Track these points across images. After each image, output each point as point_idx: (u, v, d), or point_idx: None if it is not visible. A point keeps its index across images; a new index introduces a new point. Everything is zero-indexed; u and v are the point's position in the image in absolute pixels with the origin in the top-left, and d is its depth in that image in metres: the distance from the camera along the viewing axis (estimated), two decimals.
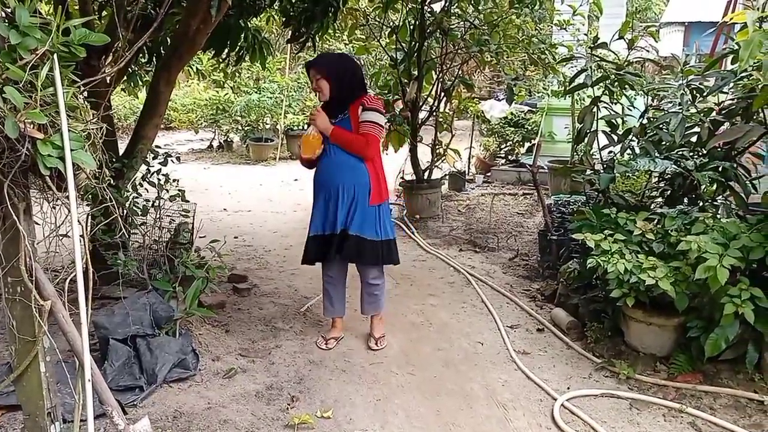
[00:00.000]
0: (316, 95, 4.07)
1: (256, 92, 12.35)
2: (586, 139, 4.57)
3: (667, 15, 23.01)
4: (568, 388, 3.52)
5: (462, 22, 7.10)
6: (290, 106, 12.39)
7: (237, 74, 9.72)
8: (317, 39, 5.75)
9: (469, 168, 9.91)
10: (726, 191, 3.98)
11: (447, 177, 8.81)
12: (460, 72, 7.65)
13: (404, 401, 3.39)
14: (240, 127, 12.49)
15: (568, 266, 4.80)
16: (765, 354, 3.36)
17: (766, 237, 3.26)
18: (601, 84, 4.52)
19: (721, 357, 3.42)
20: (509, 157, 10.15)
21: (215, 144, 13.12)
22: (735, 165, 3.88)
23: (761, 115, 3.82)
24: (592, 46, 4.64)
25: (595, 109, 4.55)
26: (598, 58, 4.61)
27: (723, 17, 7.21)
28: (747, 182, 3.88)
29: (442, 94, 7.63)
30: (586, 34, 7.77)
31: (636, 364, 3.69)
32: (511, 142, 10.00)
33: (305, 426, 3.11)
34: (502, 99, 9.65)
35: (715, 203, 3.99)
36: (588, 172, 4.75)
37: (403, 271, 5.49)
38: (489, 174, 9.76)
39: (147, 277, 3.90)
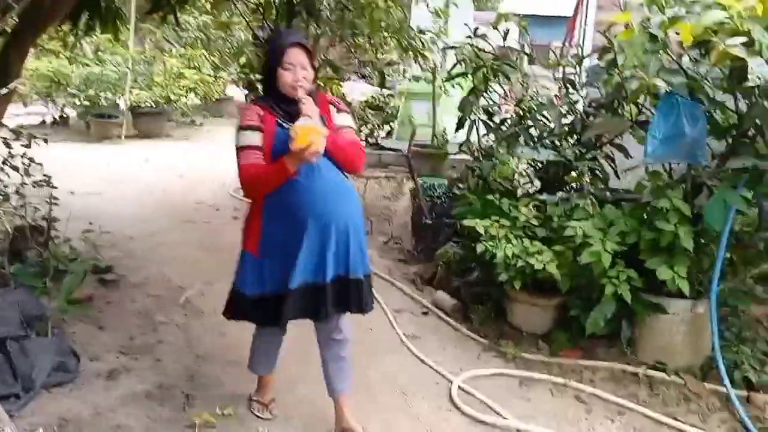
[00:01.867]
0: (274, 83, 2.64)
1: (96, 64, 11.40)
2: (465, 127, 4.71)
3: (504, 6, 24.39)
4: (461, 370, 3.63)
5: (332, 3, 7.00)
6: (136, 80, 11.58)
7: (78, 45, 8.94)
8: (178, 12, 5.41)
9: None
10: (594, 179, 4.29)
11: None
12: (325, 54, 7.56)
13: (305, 392, 3.32)
14: (78, 102, 11.47)
15: (446, 250, 4.96)
16: (636, 330, 3.68)
17: (640, 223, 3.55)
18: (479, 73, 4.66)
19: (598, 334, 3.69)
20: (369, 140, 10.24)
21: (48, 119, 11.97)
22: (605, 154, 4.19)
23: (627, 109, 4.14)
24: (470, 35, 4.77)
25: (473, 98, 4.70)
26: (477, 48, 4.76)
27: (574, 13, 7.76)
28: (613, 171, 4.22)
29: None
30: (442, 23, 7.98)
31: (521, 343, 3.89)
32: (371, 125, 10.09)
33: (208, 425, 2.94)
34: (366, 81, 9.70)
35: (585, 190, 4.28)
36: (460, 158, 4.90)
37: None
38: None
39: (9, 271, 3.47)
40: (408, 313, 4.43)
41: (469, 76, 4.65)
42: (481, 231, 3.85)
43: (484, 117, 4.75)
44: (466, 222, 3.95)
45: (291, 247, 2.61)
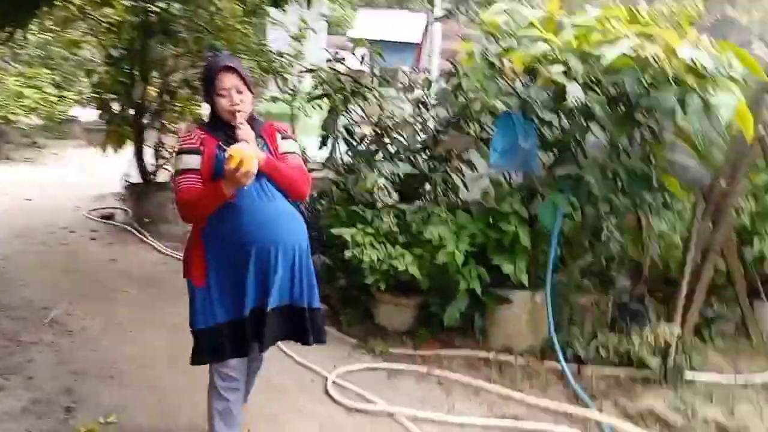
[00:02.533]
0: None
1: None
2: (329, 145, 5.05)
3: (354, 32, 25.27)
4: (334, 366, 3.92)
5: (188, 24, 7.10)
6: None
7: None
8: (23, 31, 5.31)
9: None
10: (446, 189, 4.78)
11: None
12: (184, 74, 7.62)
13: (186, 399, 3.44)
14: None
15: (312, 261, 5.23)
16: (486, 320, 4.17)
17: (486, 225, 4.05)
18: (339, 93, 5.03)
19: (454, 326, 4.14)
20: None
21: None
22: (455, 167, 4.69)
23: (470, 126, 4.67)
24: (330, 59, 5.14)
25: (334, 118, 5.05)
26: (335, 71, 5.13)
27: (421, 41, 8.39)
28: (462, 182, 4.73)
29: (167, 95, 7.53)
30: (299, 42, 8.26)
31: (387, 340, 4.26)
32: None
33: None
34: None
35: (439, 199, 4.75)
36: (330, 174, 5.23)
37: (146, 276, 5.38)
38: None
39: None
40: None
41: (330, 97, 5.00)
42: (348, 239, 4.18)
43: (346, 135, 5.11)
44: (335, 231, 4.26)
45: (238, 274, 2.51)
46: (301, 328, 2.63)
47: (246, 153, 2.37)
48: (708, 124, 3.53)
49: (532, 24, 3.69)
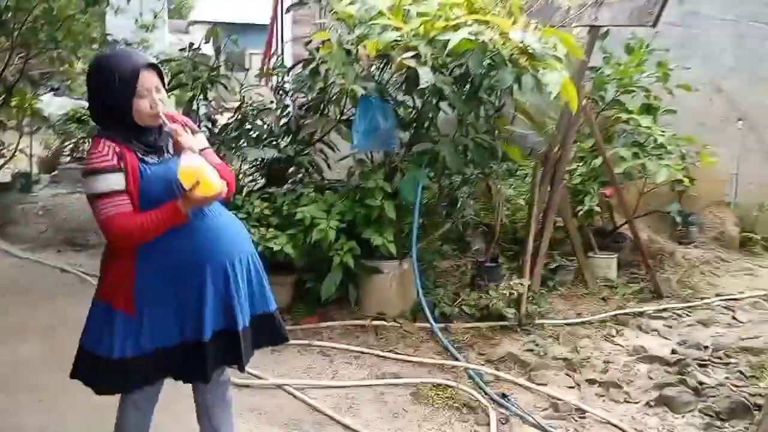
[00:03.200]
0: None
1: None
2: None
3: (195, 14, 24.57)
4: None
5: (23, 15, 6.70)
6: None
7: None
8: None
9: (32, 169, 9.25)
10: (313, 171, 5.00)
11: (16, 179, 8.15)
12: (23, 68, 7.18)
13: (68, 397, 3.39)
14: None
15: None
16: (360, 290, 4.47)
17: (353, 202, 4.32)
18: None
19: (331, 299, 4.40)
20: (74, 154, 9.81)
21: None
22: (318, 150, 4.91)
23: (330, 110, 4.90)
24: (188, 49, 5.14)
25: (195, 107, 5.08)
26: (191, 60, 5.14)
27: (271, 25, 8.46)
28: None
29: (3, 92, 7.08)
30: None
31: None
32: (75, 140, 9.68)
33: None
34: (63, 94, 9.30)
35: (306, 181, 4.96)
36: None
37: (5, 279, 5.16)
38: (56, 173, 9.30)
39: None
40: None
41: (187, 87, 5.02)
42: None
43: (207, 124, 5.15)
44: None
45: (182, 298, 2.23)
46: (270, 331, 2.49)
47: (204, 170, 2.11)
48: (541, 98, 4.02)
49: (381, 13, 3.97)
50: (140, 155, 2.20)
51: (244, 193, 4.73)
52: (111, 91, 2.17)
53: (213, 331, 2.26)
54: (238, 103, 5.15)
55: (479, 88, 4.03)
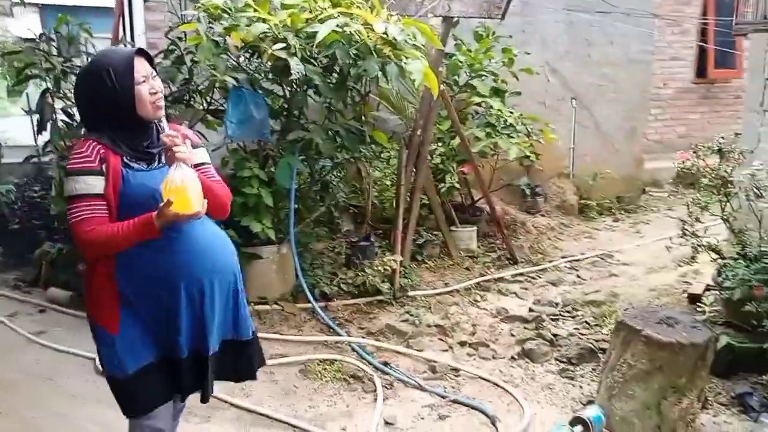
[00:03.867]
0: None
1: None
2: (48, 126, 4.87)
3: None
4: None
5: None
6: None
7: None
8: None
9: None
10: None
11: None
12: None
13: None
14: None
15: (45, 250, 5.07)
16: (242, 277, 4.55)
17: (231, 191, 4.38)
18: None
19: None
20: None
21: None
22: None
23: (196, 100, 4.89)
24: (39, 39, 4.90)
25: (49, 101, 4.87)
26: (43, 52, 4.91)
27: (119, 8, 8.08)
28: None
29: None
30: None
31: None
32: None
33: None
34: None
35: None
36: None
37: None
38: None
39: None
40: (24, 315, 4.50)
41: (39, 79, 4.80)
42: None
43: (65, 117, 4.95)
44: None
45: (164, 314, 2.15)
46: (244, 358, 2.38)
47: (186, 186, 1.99)
48: (404, 86, 4.31)
49: (248, 5, 4.05)
50: (126, 160, 2.09)
51: None
52: (107, 89, 2.06)
53: (187, 354, 2.19)
54: None
55: (347, 77, 4.23)
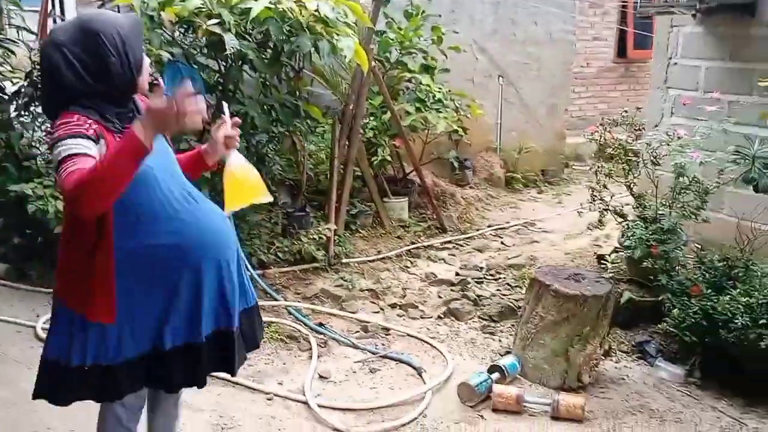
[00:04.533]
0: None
1: None
2: None
3: None
4: (38, 316, 4.05)
5: None
6: None
7: None
8: None
9: None
10: None
11: None
12: None
13: None
14: None
15: None
16: None
17: None
18: None
19: None
20: None
21: None
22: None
23: None
24: None
25: None
26: None
27: None
28: None
29: None
30: None
31: None
32: None
33: None
34: None
35: None
36: None
37: None
38: None
39: None
40: None
41: None
42: (30, 193, 4.25)
43: None
44: (15, 187, 4.26)
45: (171, 301, 2.02)
46: (257, 323, 2.36)
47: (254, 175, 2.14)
48: (337, 62, 4.50)
49: None
50: (119, 138, 1.87)
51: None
52: (112, 55, 1.88)
53: (212, 332, 2.12)
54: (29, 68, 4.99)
55: (281, 53, 4.39)
